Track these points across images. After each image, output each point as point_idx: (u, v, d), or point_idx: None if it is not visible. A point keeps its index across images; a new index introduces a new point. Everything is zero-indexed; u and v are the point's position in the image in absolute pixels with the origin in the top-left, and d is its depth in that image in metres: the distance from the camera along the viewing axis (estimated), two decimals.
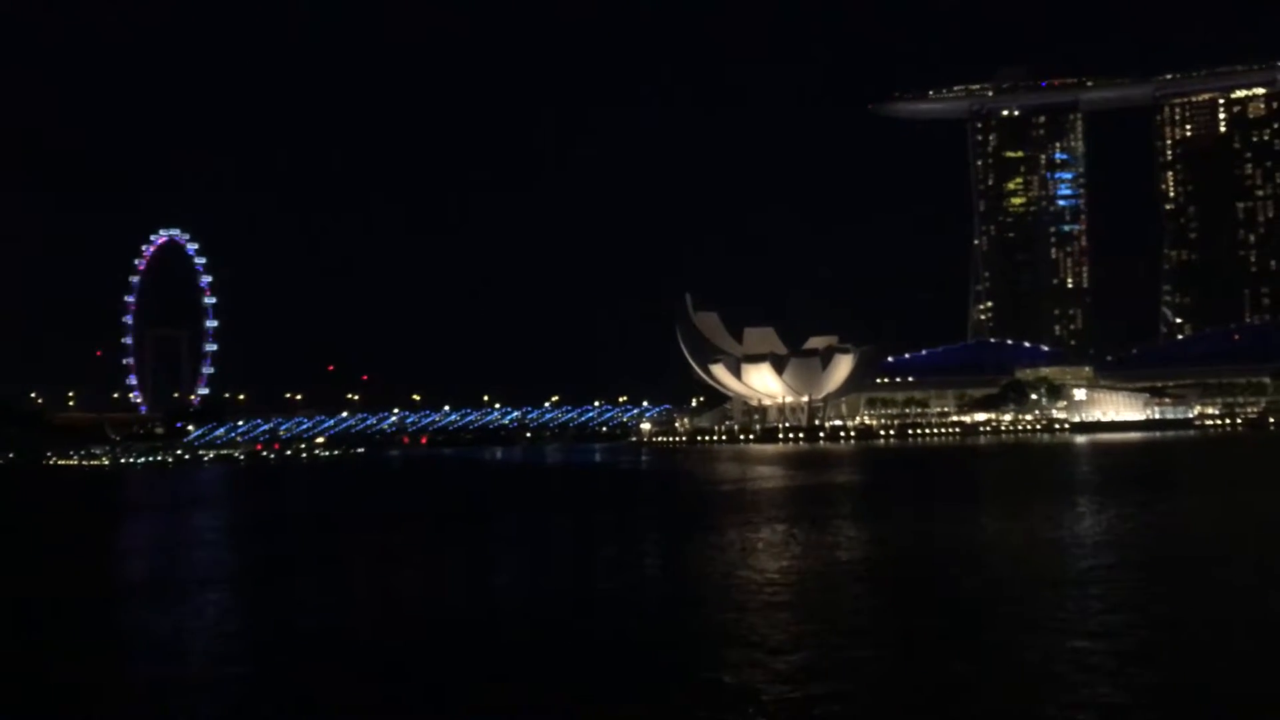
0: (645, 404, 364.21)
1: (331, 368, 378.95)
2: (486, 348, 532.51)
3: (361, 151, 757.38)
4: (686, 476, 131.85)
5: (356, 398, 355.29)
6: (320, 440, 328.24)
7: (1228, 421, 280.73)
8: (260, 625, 36.08)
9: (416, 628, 33.51)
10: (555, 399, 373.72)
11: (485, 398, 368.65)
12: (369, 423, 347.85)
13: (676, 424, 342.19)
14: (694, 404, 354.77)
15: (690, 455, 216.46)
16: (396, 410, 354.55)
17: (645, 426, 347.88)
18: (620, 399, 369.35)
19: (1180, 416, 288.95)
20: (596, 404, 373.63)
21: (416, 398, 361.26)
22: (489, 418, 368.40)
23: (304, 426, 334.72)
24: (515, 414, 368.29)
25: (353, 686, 26.14)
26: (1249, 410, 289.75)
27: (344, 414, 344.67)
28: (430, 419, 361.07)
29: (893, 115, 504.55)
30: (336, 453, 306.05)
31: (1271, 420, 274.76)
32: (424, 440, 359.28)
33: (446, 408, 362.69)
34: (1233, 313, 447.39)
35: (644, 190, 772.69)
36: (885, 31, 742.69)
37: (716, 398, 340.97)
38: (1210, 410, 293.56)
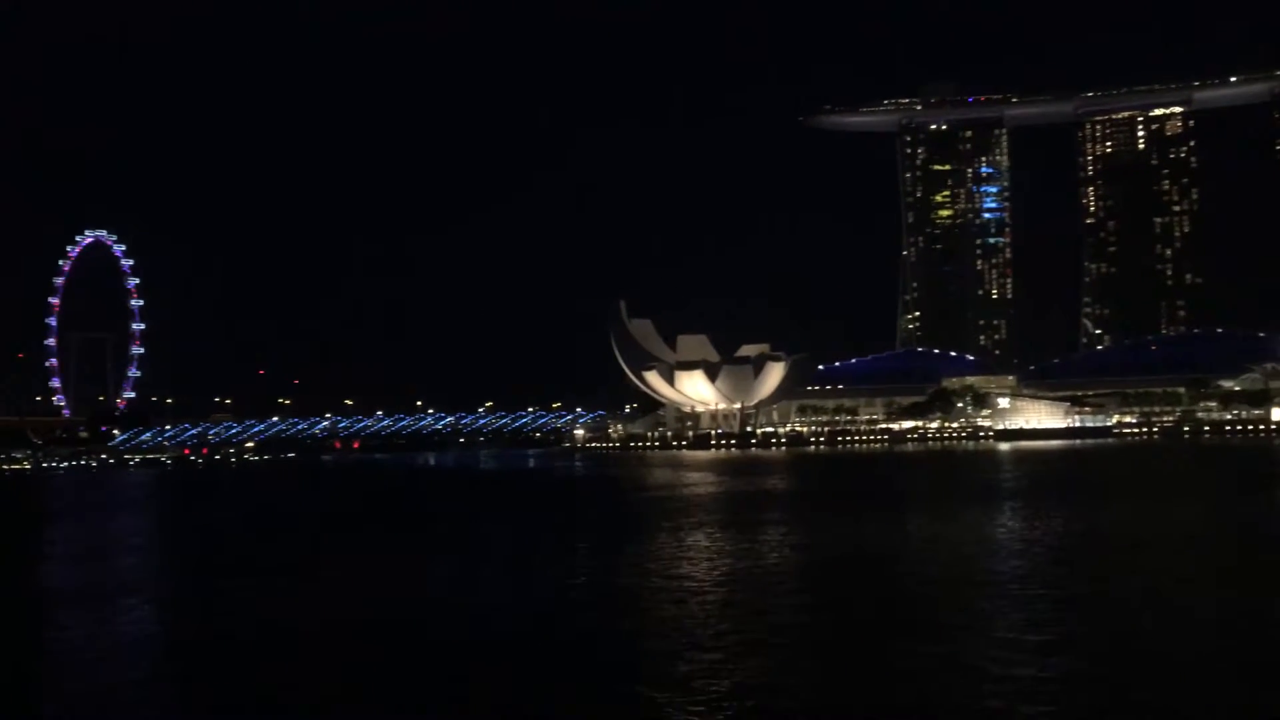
0: (579, 410, 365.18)
1: (262, 372, 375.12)
2: (419, 352, 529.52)
3: (295, 153, 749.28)
4: (620, 482, 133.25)
5: (287, 402, 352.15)
6: (250, 445, 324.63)
7: (1144, 430, 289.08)
8: (179, 631, 36.03)
9: (347, 632, 33.55)
10: (489, 404, 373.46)
11: (419, 403, 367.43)
12: (300, 427, 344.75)
13: (610, 430, 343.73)
14: (628, 410, 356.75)
15: (624, 461, 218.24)
16: (328, 415, 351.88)
17: (579, 432, 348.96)
18: (554, 405, 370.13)
19: (1099, 425, 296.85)
20: (530, 409, 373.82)
21: (349, 402, 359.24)
22: (422, 423, 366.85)
23: (233, 431, 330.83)
24: (449, 419, 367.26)
25: (281, 691, 26.28)
26: (1165, 419, 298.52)
27: (274, 419, 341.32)
28: (362, 424, 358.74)
29: (824, 128, 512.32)
30: (266, 457, 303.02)
31: (1186, 429, 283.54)
32: (356, 445, 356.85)
33: (379, 413, 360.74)
34: (1150, 325, 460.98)
35: (579, 198, 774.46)
36: (817, 45, 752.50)
37: (650, 404, 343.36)
38: (1128, 419, 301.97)
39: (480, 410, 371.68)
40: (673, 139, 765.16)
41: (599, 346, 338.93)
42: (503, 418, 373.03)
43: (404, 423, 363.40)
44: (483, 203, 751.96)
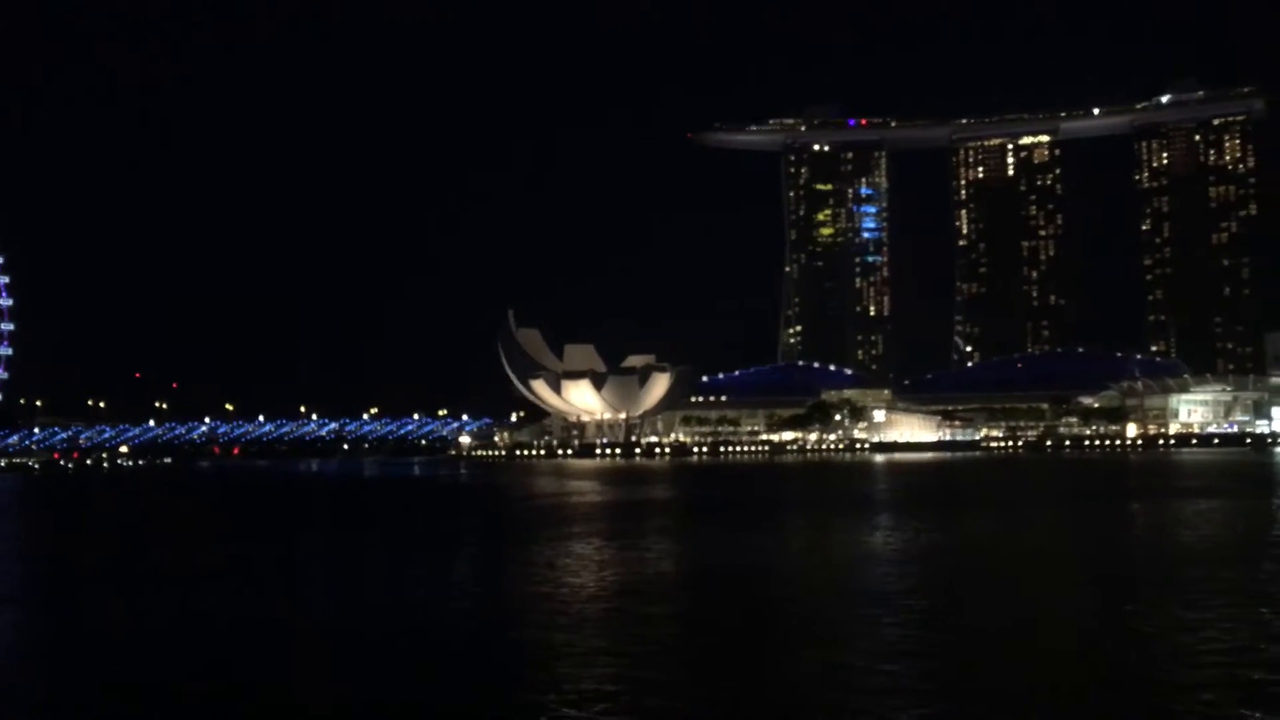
0: (465, 418, 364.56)
1: (139, 374, 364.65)
2: (303, 356, 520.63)
3: (177, 148, 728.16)
4: (504, 490, 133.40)
5: (165, 406, 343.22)
6: (124, 450, 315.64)
7: (1010, 444, 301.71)
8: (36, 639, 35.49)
9: (212, 645, 33.17)
10: (374, 411, 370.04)
11: (302, 408, 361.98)
12: (177, 432, 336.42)
13: (496, 438, 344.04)
14: (514, 419, 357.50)
15: (509, 469, 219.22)
16: (207, 420, 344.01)
17: (465, 440, 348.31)
18: (440, 412, 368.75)
19: (968, 438, 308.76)
20: (416, 417, 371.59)
21: (229, 407, 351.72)
22: (305, 429, 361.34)
23: (106, 435, 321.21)
24: (332, 425, 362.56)
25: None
26: (1029, 434, 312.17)
27: (150, 423, 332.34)
28: (243, 429, 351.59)
29: (713, 145, 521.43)
30: (141, 463, 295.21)
31: (1048, 443, 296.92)
32: (236, 451, 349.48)
33: (261, 418, 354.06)
34: (1017, 343, 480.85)
35: (465, 204, 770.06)
36: (706, 65, 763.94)
37: (536, 413, 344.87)
38: (995, 433, 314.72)
39: (365, 417, 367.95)
40: (565, 152, 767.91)
41: (486, 355, 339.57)
42: (388, 425, 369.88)
43: (286, 428, 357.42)
44: (371, 209, 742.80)
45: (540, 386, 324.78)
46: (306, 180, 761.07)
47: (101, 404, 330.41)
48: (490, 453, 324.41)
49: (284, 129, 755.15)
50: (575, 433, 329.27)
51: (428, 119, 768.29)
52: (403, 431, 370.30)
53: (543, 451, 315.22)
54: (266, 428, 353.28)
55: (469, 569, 51.48)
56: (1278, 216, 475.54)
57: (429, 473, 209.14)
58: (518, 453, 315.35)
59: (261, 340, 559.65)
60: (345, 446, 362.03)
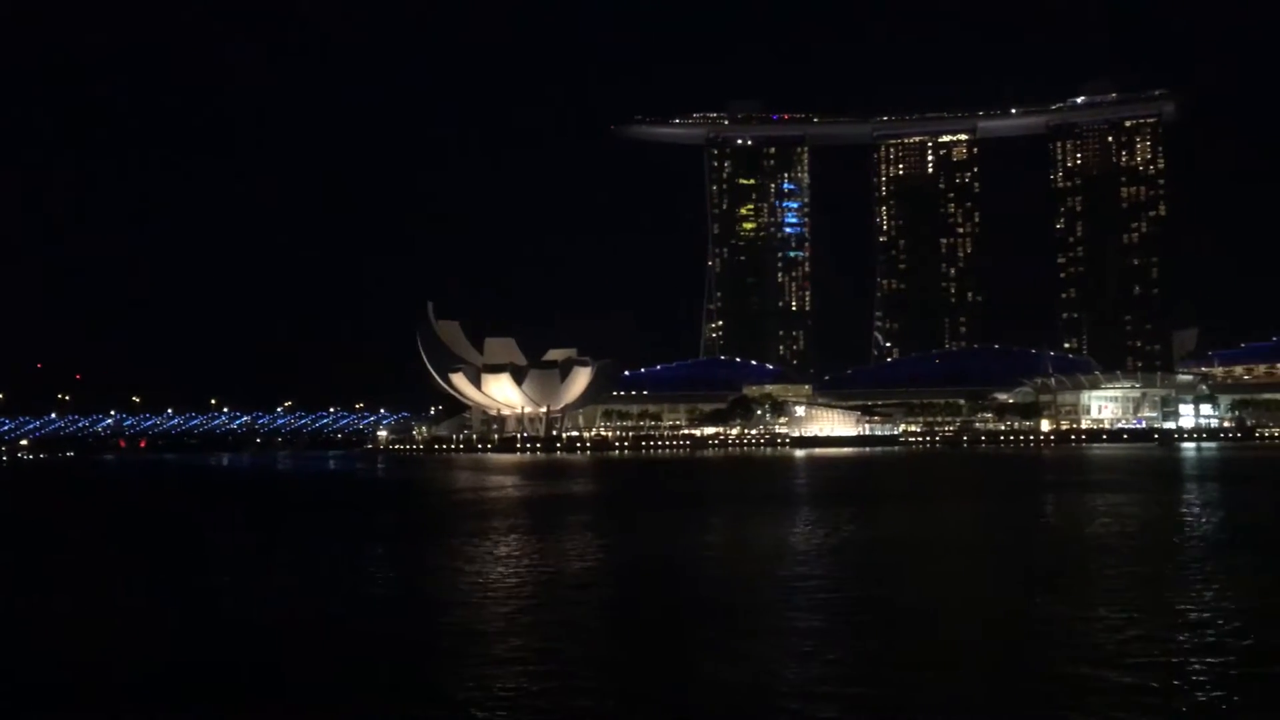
0: (383, 411, 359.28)
1: (40, 365, 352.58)
2: (215, 348, 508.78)
3: (77, 133, 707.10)
4: (423, 485, 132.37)
5: (67, 398, 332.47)
6: (24, 443, 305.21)
7: (927, 439, 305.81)
8: None
9: (121, 643, 32.47)
10: (288, 404, 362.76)
11: (213, 400, 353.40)
12: (81, 425, 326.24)
13: (414, 432, 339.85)
14: (433, 412, 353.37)
15: (428, 464, 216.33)
16: (113, 412, 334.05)
17: (382, 434, 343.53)
18: (357, 405, 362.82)
19: (887, 433, 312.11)
20: (332, 410, 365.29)
21: (136, 399, 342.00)
22: (216, 422, 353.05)
23: (6, 427, 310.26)
24: (245, 418, 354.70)
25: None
26: (946, 429, 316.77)
27: (52, 415, 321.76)
28: (151, 422, 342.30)
29: (635, 138, 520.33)
30: (43, 456, 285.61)
31: (965, 438, 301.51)
32: (143, 444, 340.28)
33: (169, 410, 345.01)
34: (935, 339, 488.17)
35: (386, 198, 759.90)
36: (630, 56, 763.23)
37: (456, 406, 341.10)
38: (913, 428, 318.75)
39: (279, 410, 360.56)
40: (486, 143, 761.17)
41: (405, 348, 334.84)
42: (303, 418, 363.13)
43: (196, 421, 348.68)
44: (288, 201, 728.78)
45: (460, 380, 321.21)
46: (222, 170, 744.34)
47: (0, 395, 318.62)
48: (409, 447, 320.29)
49: (201, 118, 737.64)
50: (495, 427, 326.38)
51: (347, 110, 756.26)
52: (318, 425, 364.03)
53: (462, 446, 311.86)
54: (175, 420, 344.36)
55: (386, 566, 50.39)
56: (1186, 217, 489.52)
57: (345, 467, 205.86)
58: (436, 447, 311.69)
59: (171, 331, 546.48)
60: (258, 440, 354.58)
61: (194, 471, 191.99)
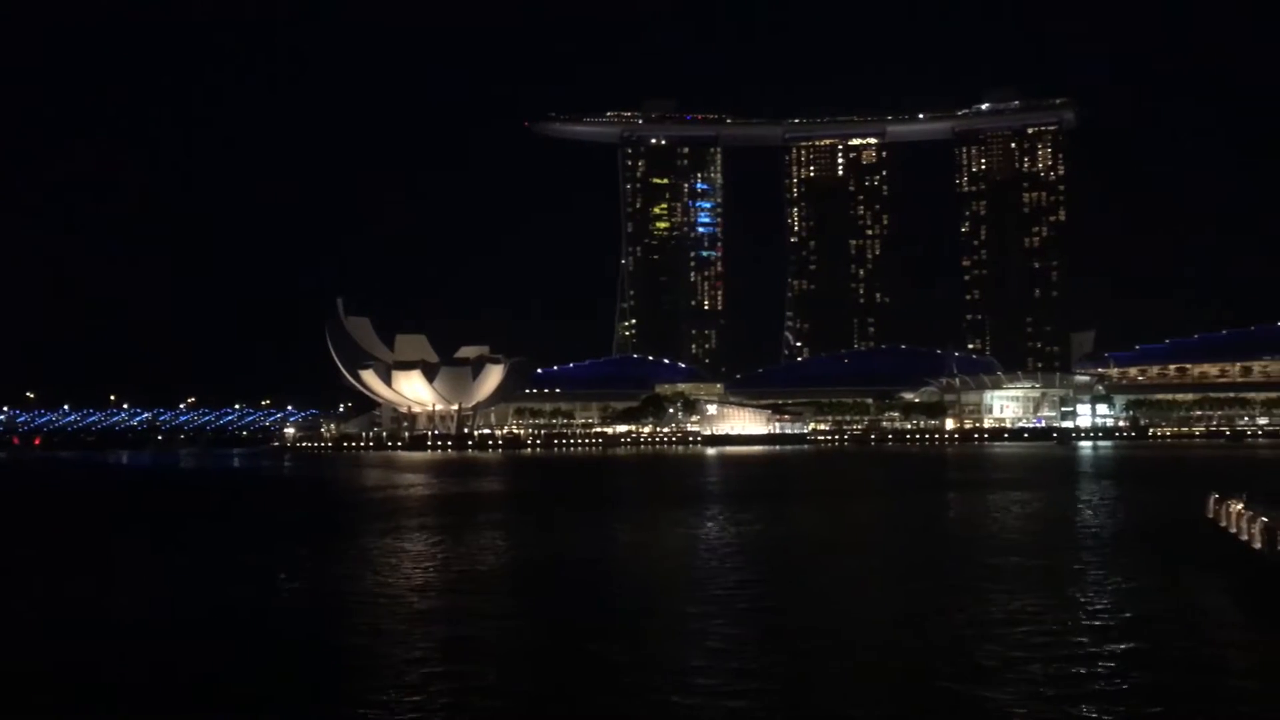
0: (290, 408, 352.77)
1: None
2: (114, 342, 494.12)
3: None
4: (331, 483, 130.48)
5: None
6: None
7: (836, 437, 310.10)
8: None
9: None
10: (191, 400, 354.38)
11: (112, 397, 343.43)
12: None
13: (323, 429, 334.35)
14: (342, 409, 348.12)
15: (336, 462, 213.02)
16: (5, 408, 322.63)
17: (290, 431, 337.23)
18: (263, 402, 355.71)
19: (797, 432, 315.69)
20: (237, 406, 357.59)
21: (30, 395, 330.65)
22: (115, 419, 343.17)
23: None
24: (145, 415, 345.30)
25: None
26: (854, 428, 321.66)
27: None
28: (46, 419, 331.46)
29: (549, 135, 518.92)
30: None
31: (873, 437, 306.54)
32: (37, 442, 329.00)
33: (65, 406, 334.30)
34: (844, 339, 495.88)
35: (293, 188, 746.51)
36: (547, 54, 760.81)
37: (365, 404, 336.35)
38: (822, 427, 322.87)
39: (182, 406, 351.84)
40: (400, 138, 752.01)
41: (314, 343, 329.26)
42: (206, 415, 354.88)
43: (94, 418, 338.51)
44: (196, 192, 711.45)
45: (370, 377, 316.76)
46: (120, 161, 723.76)
47: None
48: (316, 444, 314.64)
49: (111, 103, 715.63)
50: (406, 424, 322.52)
51: (258, 102, 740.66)
52: (222, 422, 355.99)
53: (372, 443, 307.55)
54: (72, 417, 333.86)
55: (293, 565, 49.54)
56: (1085, 223, 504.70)
57: (250, 465, 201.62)
58: (346, 445, 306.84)
59: (67, 324, 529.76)
60: (159, 437, 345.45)
61: (91, 470, 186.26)
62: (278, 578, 45.29)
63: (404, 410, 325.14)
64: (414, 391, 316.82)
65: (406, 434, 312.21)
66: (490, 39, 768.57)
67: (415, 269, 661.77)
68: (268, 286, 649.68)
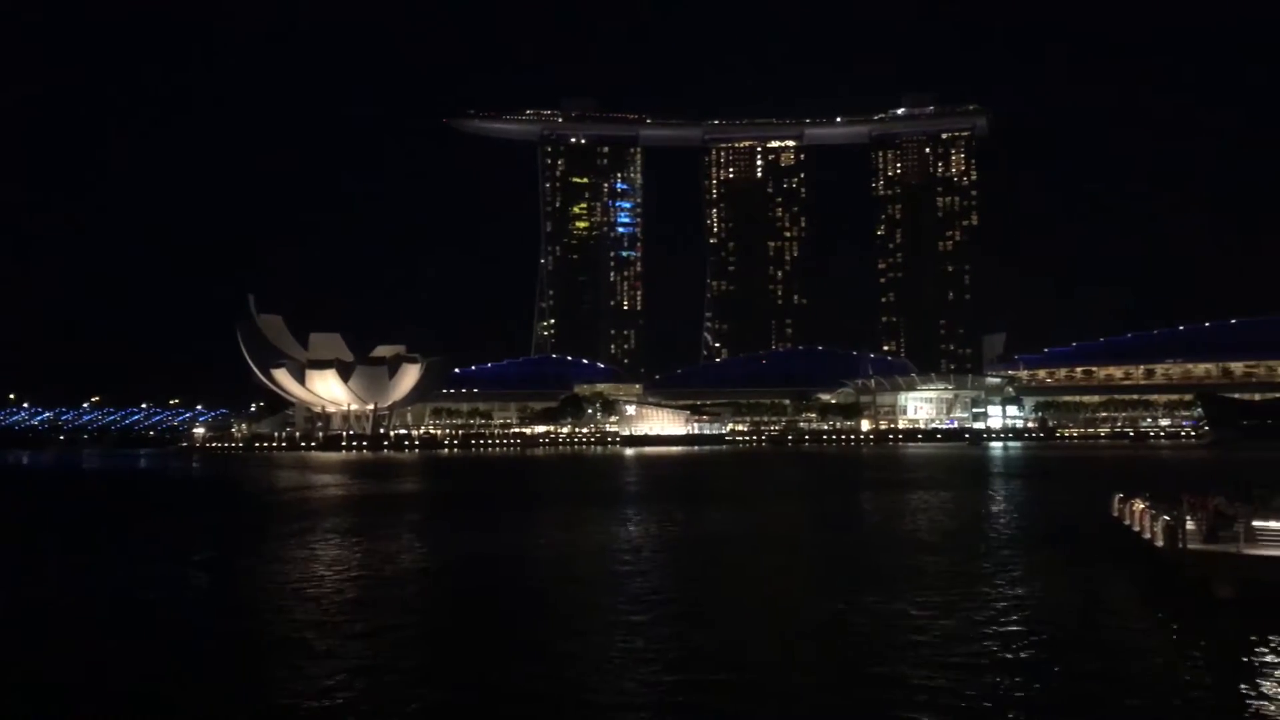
0: (199, 407, 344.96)
1: None
2: (13, 339, 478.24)
3: None
4: (242, 484, 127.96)
5: None
6: None
7: (754, 438, 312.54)
8: None
9: None
10: (96, 399, 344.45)
11: (11, 396, 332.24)
12: None
13: (234, 429, 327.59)
14: (253, 409, 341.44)
15: (248, 462, 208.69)
16: None
17: (199, 431, 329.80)
18: (171, 401, 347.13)
19: (715, 432, 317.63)
20: (144, 406, 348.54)
21: None
22: (14, 418, 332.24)
23: None
24: (47, 415, 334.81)
25: None
26: (772, 428, 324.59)
27: None
28: None
29: (468, 132, 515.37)
30: None
31: (790, 437, 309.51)
32: None
33: None
34: (763, 340, 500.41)
35: (207, 189, 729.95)
36: (469, 50, 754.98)
37: (278, 403, 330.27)
38: (740, 427, 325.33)
39: (85, 405, 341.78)
40: (317, 133, 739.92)
41: (224, 342, 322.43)
42: (111, 414, 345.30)
43: None
44: (97, 182, 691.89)
45: (283, 376, 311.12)
46: (31, 151, 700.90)
47: None
48: (227, 445, 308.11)
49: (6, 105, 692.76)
50: (320, 424, 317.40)
51: (173, 100, 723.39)
52: (128, 422, 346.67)
53: (284, 444, 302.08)
54: None
55: (204, 569, 48.46)
56: (996, 227, 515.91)
57: (157, 466, 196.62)
58: (257, 445, 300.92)
59: None
60: (61, 437, 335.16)
61: None
62: (186, 581, 44.27)
63: (318, 410, 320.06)
64: (329, 391, 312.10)
65: (320, 434, 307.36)
66: (410, 34, 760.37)
67: (333, 267, 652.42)
68: (177, 284, 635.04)
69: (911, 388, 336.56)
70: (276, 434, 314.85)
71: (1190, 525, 36.40)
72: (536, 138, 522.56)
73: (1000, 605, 35.04)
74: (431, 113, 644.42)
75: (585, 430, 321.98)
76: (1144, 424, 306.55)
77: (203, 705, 24.70)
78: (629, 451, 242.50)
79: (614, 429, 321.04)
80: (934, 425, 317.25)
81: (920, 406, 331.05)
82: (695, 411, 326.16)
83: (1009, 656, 27.95)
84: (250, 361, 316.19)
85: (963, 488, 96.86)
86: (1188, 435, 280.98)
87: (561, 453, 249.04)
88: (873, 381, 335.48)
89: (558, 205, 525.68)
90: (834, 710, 24.05)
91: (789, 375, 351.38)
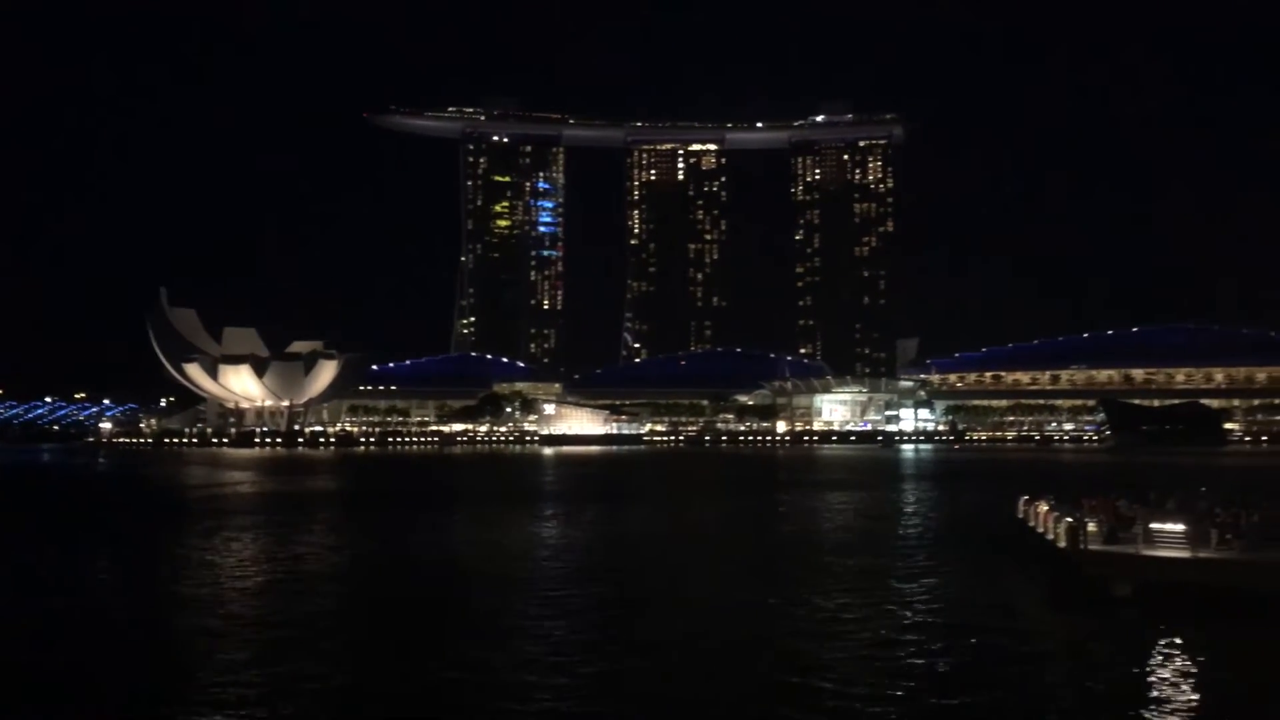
0: (107, 402, 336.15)
1: None
2: None
3: None
4: (150, 481, 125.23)
5: None
6: None
7: (672, 438, 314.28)
8: None
9: None
10: None
11: None
12: None
13: (143, 425, 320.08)
14: (164, 404, 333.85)
15: (157, 459, 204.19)
16: None
17: (106, 426, 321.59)
18: (77, 395, 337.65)
19: (634, 432, 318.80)
20: (48, 400, 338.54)
21: None
22: None
23: None
24: None
25: None
26: (690, 429, 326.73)
27: None
28: None
29: (389, 128, 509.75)
30: None
31: (707, 438, 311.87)
32: None
33: None
34: (681, 342, 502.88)
35: (118, 170, 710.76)
36: (388, 44, 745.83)
37: (190, 398, 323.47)
38: (659, 427, 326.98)
39: None
40: (236, 125, 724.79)
41: (135, 335, 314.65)
42: (13, 408, 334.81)
43: None
44: (12, 177, 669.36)
45: (195, 371, 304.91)
46: None
47: None
48: (135, 440, 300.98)
49: None
50: (233, 420, 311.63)
51: (88, 90, 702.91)
52: (31, 416, 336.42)
53: (195, 440, 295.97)
54: None
55: (108, 567, 47.50)
56: (911, 234, 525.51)
57: (61, 461, 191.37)
58: (167, 441, 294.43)
59: None
60: None
61: None
62: (91, 581, 43.29)
63: (231, 406, 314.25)
64: (242, 386, 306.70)
65: (233, 430, 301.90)
66: (329, 28, 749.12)
67: (247, 261, 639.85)
68: (85, 275, 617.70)
69: (827, 390, 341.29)
70: (187, 430, 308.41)
71: (1091, 527, 37.75)
72: (458, 135, 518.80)
73: (908, 604, 35.99)
74: (353, 106, 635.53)
75: (504, 429, 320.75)
76: (1049, 428, 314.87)
77: (112, 712, 24.21)
78: (548, 451, 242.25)
79: (533, 428, 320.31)
80: (848, 427, 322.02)
81: (835, 409, 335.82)
82: (614, 411, 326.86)
83: (916, 653, 28.78)
84: (161, 356, 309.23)
85: (875, 489, 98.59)
86: (1090, 439, 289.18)
87: (480, 451, 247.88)
88: (789, 384, 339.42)
89: (479, 203, 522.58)
90: (747, 710, 24.43)
91: (707, 376, 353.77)
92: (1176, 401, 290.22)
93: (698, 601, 37.72)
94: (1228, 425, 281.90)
